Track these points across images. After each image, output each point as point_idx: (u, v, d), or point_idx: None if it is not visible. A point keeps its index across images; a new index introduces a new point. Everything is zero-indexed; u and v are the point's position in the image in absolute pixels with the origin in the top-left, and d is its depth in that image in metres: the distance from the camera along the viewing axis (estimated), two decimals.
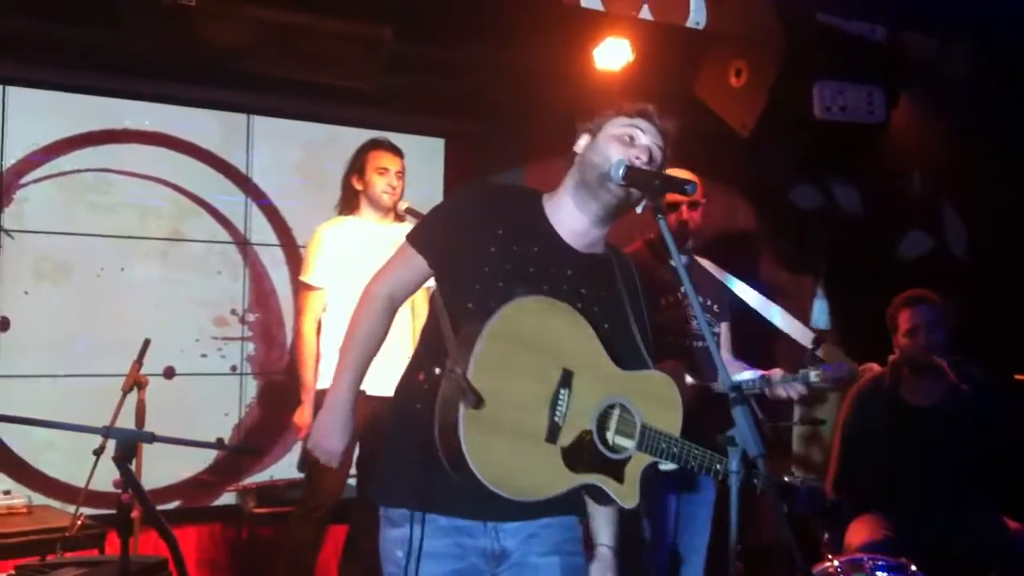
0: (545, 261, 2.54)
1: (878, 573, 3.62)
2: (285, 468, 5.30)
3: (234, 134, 5.42)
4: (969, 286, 4.49)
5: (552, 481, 2.36)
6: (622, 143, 2.60)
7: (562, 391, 2.38)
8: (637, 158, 2.56)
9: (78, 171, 5.05)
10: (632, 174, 2.61)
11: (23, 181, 4.93)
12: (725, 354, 3.97)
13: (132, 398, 4.16)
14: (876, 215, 6.22)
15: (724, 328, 3.99)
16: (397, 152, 4.61)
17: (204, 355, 5.26)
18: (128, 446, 2.64)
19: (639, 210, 3.34)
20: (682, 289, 3.73)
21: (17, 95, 4.93)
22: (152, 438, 2.68)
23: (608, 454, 2.45)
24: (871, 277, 6.02)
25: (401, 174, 4.56)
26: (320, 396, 4.50)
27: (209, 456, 5.19)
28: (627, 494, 2.47)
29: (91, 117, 5.07)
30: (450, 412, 2.25)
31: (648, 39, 5.15)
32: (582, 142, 2.68)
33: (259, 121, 5.44)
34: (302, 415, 4.51)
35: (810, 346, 3.76)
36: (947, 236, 6.06)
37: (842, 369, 3.47)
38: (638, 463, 2.48)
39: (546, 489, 2.35)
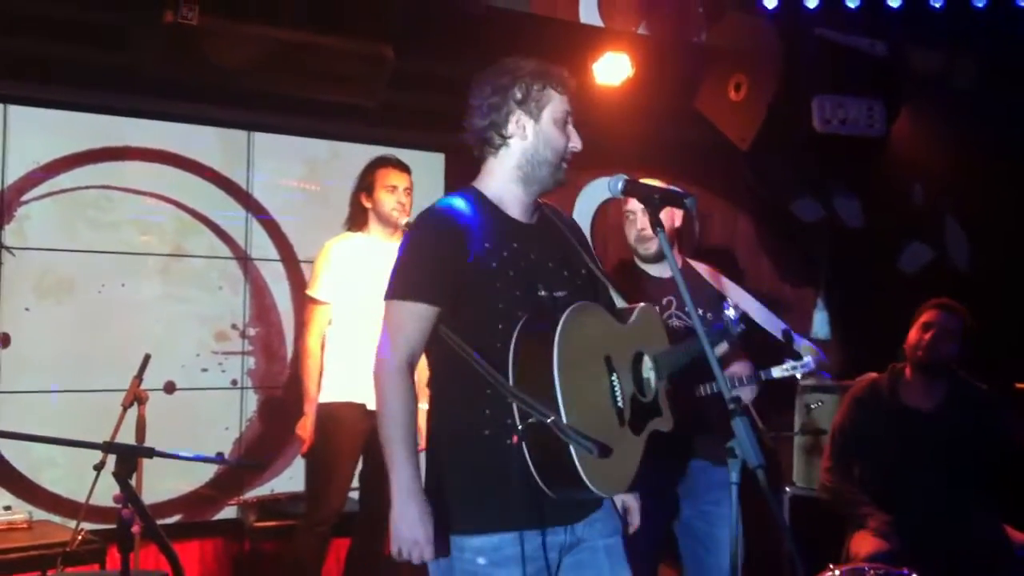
0: (528, 251, 2.62)
1: None
2: (286, 482, 5.30)
3: (235, 151, 5.42)
4: (970, 297, 4.49)
5: (634, 456, 2.58)
6: (562, 128, 2.66)
7: (612, 378, 2.54)
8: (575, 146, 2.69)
9: (79, 188, 5.05)
10: (632, 188, 2.64)
11: (24, 198, 4.94)
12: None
13: (132, 413, 4.16)
14: (877, 227, 6.24)
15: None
16: (405, 169, 4.64)
17: (205, 369, 5.25)
18: (128, 461, 2.65)
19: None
20: (665, 300, 3.71)
21: (18, 113, 4.93)
22: (152, 453, 2.69)
23: (647, 400, 2.66)
24: (872, 289, 6.03)
25: (409, 190, 4.59)
26: (322, 409, 4.53)
27: (210, 470, 5.18)
28: (668, 419, 2.74)
29: (92, 135, 5.08)
30: (562, 457, 2.33)
31: (648, 54, 5.18)
32: (523, 126, 2.62)
33: (260, 137, 5.46)
34: (304, 427, 4.56)
35: (781, 339, 3.81)
36: (948, 247, 6.08)
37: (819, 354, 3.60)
38: (663, 389, 2.74)
39: (633, 466, 2.57)
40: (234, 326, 5.37)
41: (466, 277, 2.52)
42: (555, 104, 2.63)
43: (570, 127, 2.67)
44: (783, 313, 6.41)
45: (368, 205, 4.60)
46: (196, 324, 5.26)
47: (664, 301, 3.71)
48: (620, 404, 2.53)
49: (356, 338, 4.39)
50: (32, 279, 4.92)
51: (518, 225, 2.66)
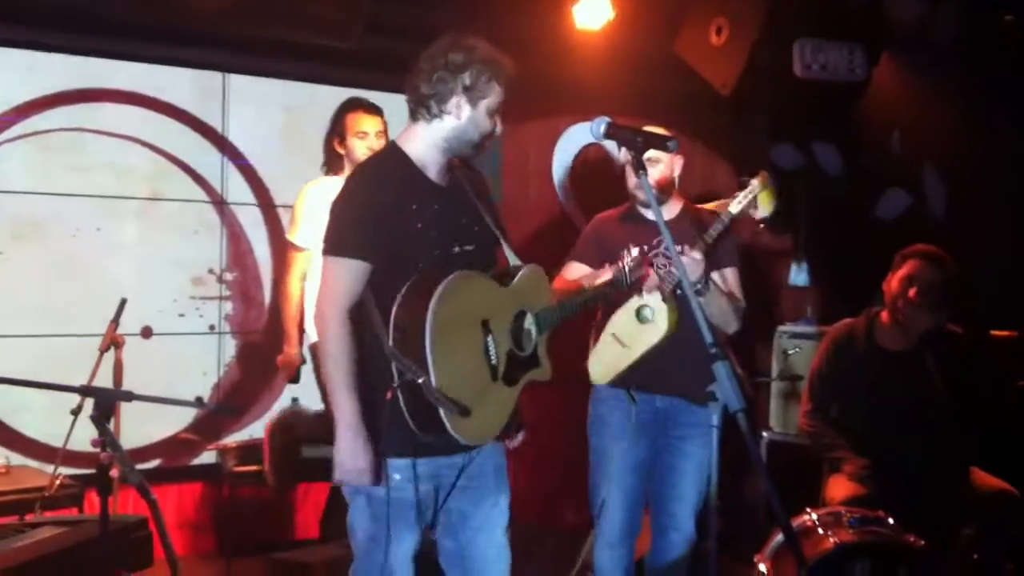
0: (447, 211, 2.85)
1: (852, 526, 3.64)
2: (265, 427, 5.30)
3: (210, 94, 5.36)
4: (948, 245, 4.49)
5: (504, 407, 2.85)
6: (493, 117, 2.87)
7: (488, 339, 2.78)
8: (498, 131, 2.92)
9: (53, 131, 4.98)
10: (613, 131, 2.63)
11: None
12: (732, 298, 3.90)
13: (109, 358, 4.14)
14: (856, 174, 6.24)
15: (729, 273, 3.87)
16: (376, 111, 4.57)
17: (182, 315, 5.22)
18: (107, 405, 2.63)
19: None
20: (655, 240, 3.71)
21: None
22: (131, 396, 2.68)
23: (528, 352, 2.90)
24: (851, 236, 6.04)
25: (383, 133, 4.53)
26: (314, 350, 4.57)
27: (188, 415, 5.17)
28: (546, 370, 2.98)
29: (66, 76, 4.99)
30: (431, 410, 2.62)
31: None
32: (461, 108, 2.82)
33: (235, 80, 5.38)
34: (287, 357, 4.65)
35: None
36: (927, 195, 6.08)
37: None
38: (543, 342, 2.96)
39: (504, 414, 2.85)
40: (211, 271, 5.33)
41: (394, 236, 2.74)
42: (494, 96, 2.85)
43: (498, 116, 2.89)
44: (760, 258, 6.44)
45: (341, 151, 4.56)
46: (172, 269, 5.22)
47: (655, 242, 3.73)
48: (494, 362, 2.78)
49: None
50: (6, 223, 4.87)
51: (437, 187, 2.88)
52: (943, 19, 5.48)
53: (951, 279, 4.28)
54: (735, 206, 3.65)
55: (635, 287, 3.48)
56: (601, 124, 2.63)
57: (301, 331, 4.65)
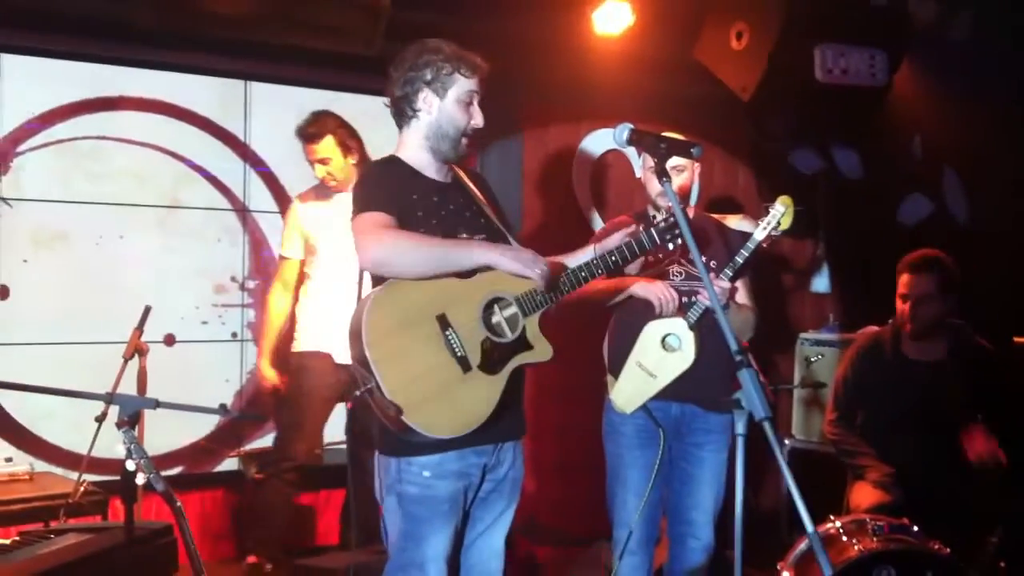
0: (447, 203, 2.99)
1: (877, 534, 3.62)
2: None
3: (232, 101, 5.38)
4: (969, 250, 4.46)
5: (488, 396, 2.84)
6: (465, 107, 2.99)
7: (447, 332, 2.81)
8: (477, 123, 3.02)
9: (75, 139, 5.01)
10: (637, 137, 2.62)
11: (20, 149, 4.90)
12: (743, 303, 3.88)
13: (133, 365, 4.15)
14: (877, 179, 6.21)
15: (739, 284, 3.82)
16: (311, 138, 4.69)
17: (204, 322, 5.25)
18: (134, 412, 2.65)
19: (638, 173, 3.42)
20: (662, 252, 3.69)
21: (13, 62, 4.88)
22: (157, 404, 2.69)
23: (511, 337, 2.90)
24: (871, 241, 6.01)
25: (327, 160, 4.68)
26: (295, 358, 4.81)
27: (211, 422, 5.20)
28: (543, 351, 2.94)
29: (88, 84, 5.02)
30: (394, 418, 2.72)
31: (648, 2, 5.11)
32: (430, 103, 2.98)
33: (257, 88, 5.41)
34: (263, 378, 4.83)
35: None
36: (948, 200, 6.05)
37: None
38: (534, 324, 2.93)
39: (487, 405, 2.84)
40: (233, 279, 5.35)
41: (401, 220, 2.88)
42: (460, 86, 2.98)
43: (474, 107, 3.02)
44: (781, 265, 6.42)
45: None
46: (195, 277, 5.25)
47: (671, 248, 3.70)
48: (460, 353, 2.81)
49: (320, 292, 4.75)
50: (29, 231, 4.90)
51: (436, 183, 3.03)
52: (958, 18, 5.46)
53: (946, 277, 4.26)
54: (760, 232, 3.62)
55: (663, 246, 3.16)
56: (624, 131, 2.62)
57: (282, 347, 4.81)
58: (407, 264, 2.80)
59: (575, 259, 3.14)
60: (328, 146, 4.71)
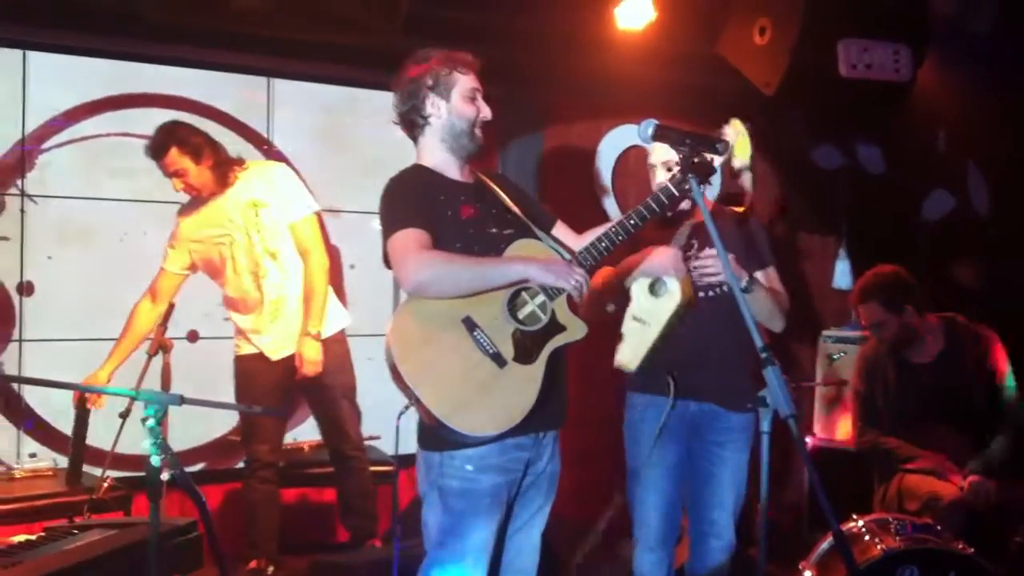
0: (473, 201, 3.05)
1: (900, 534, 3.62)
2: (308, 430, 5.31)
3: (254, 97, 5.40)
4: (992, 245, 4.44)
5: (529, 384, 2.88)
6: (471, 102, 3.08)
7: (475, 333, 2.87)
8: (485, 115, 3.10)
9: (99, 136, 5.04)
10: (662, 133, 2.62)
11: (45, 146, 4.93)
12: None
13: (157, 362, 4.18)
14: (900, 175, 6.18)
15: (771, 271, 3.79)
16: (160, 153, 4.52)
17: (227, 319, 5.26)
18: (159, 408, 2.66)
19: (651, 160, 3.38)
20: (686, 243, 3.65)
21: (37, 60, 4.92)
22: (183, 400, 2.70)
23: (544, 322, 2.94)
24: (894, 237, 5.98)
25: (182, 172, 4.54)
26: (238, 363, 4.77)
27: (233, 418, 5.21)
28: (576, 329, 2.98)
29: (111, 82, 5.06)
30: (433, 418, 2.80)
31: None
32: (438, 106, 3.06)
33: (280, 84, 5.42)
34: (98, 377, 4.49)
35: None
36: (971, 195, 6.01)
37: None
38: (562, 306, 2.97)
39: (530, 393, 2.87)
40: None
41: (433, 221, 2.94)
42: (461, 83, 3.08)
43: (479, 100, 3.11)
44: (803, 261, 6.39)
45: None
46: None
47: (685, 243, 3.67)
48: (492, 350, 2.86)
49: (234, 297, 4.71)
50: (54, 227, 4.93)
51: (460, 184, 3.11)
52: (980, 11, 5.42)
53: (887, 296, 4.33)
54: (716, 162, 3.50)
55: (680, 199, 3.08)
56: (649, 127, 2.62)
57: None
58: (448, 289, 2.88)
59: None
60: (174, 158, 4.50)
